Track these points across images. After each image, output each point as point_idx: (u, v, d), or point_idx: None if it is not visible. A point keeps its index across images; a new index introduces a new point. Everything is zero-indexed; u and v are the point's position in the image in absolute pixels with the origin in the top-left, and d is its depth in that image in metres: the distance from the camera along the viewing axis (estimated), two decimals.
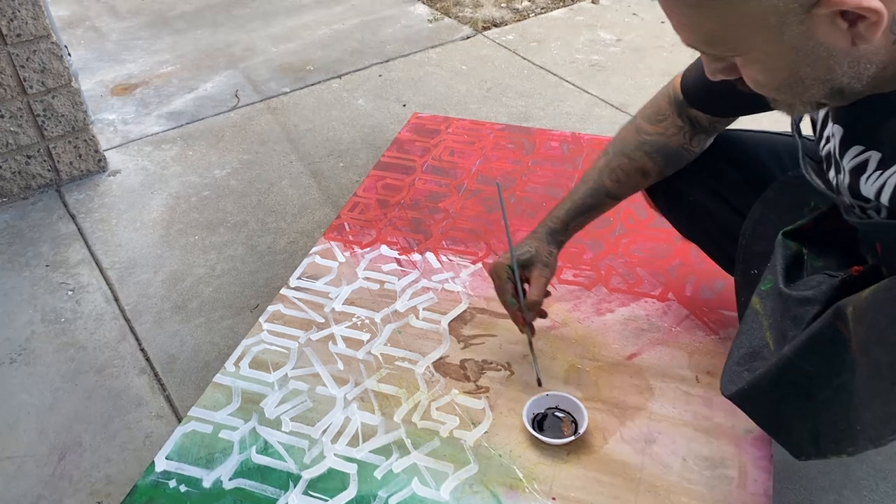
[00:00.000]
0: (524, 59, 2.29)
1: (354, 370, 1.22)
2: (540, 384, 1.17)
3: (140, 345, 1.40)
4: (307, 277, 1.41)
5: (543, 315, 1.18)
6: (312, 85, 2.24)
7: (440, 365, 1.22)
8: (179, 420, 1.23)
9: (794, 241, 0.94)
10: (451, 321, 1.29)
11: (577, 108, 2.00)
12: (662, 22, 2.47)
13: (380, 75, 2.26)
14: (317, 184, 1.80)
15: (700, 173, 1.11)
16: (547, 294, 1.16)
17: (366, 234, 1.51)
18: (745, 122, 1.06)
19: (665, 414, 1.11)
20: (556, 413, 1.12)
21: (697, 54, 0.77)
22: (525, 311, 1.13)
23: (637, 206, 1.49)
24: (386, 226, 1.52)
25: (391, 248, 1.46)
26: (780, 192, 1.02)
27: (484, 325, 1.28)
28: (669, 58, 2.25)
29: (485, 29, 2.49)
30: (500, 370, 1.20)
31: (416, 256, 1.44)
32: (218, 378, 1.22)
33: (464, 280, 1.38)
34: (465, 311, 1.31)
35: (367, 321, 1.31)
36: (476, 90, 2.13)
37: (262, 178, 1.84)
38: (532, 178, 1.61)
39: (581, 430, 1.06)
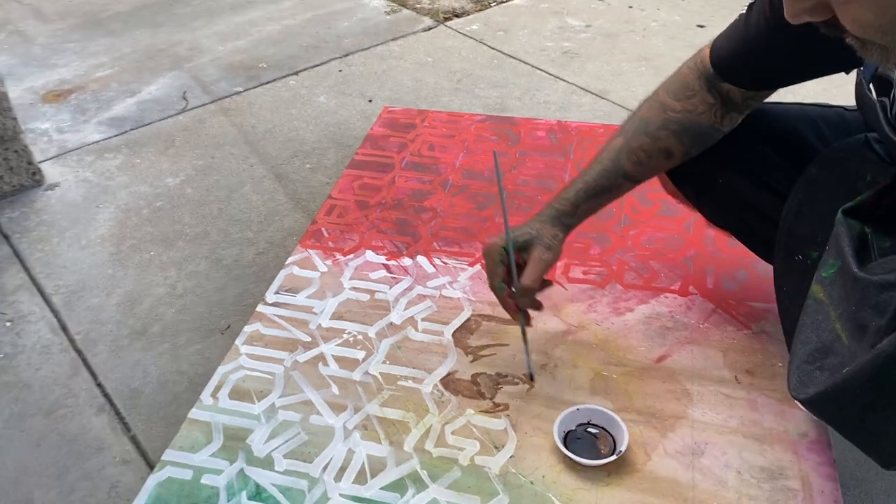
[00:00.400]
0: (492, 48, 2.17)
1: (352, 394, 1.07)
2: (532, 379, 1.05)
3: (96, 379, 1.22)
4: (286, 291, 1.25)
5: (538, 306, 1.05)
6: (267, 83, 2.07)
7: (449, 382, 1.08)
8: (151, 466, 1.06)
9: (855, 219, 0.84)
10: (456, 331, 1.15)
11: (554, 97, 1.88)
12: (630, 7, 2.38)
13: (340, 70, 2.11)
14: (283, 188, 1.64)
15: (730, 152, 1.00)
16: (547, 284, 1.05)
17: (347, 239, 1.36)
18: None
19: (708, 421, 0.99)
20: (589, 429, 0.99)
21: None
22: (517, 297, 1.01)
23: (640, 194, 1.38)
24: (369, 229, 1.38)
25: (377, 254, 1.32)
26: (828, 167, 0.92)
27: (493, 334, 1.15)
28: (643, 42, 2.16)
29: (446, 19, 2.36)
30: (517, 384, 1.07)
31: (406, 261, 1.30)
32: (194, 413, 1.06)
33: (463, 284, 1.24)
34: (469, 320, 1.17)
35: (359, 337, 1.16)
36: (445, 82, 2.00)
37: (221, 185, 1.66)
38: (522, 170, 1.49)
39: (622, 448, 0.94)
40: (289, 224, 1.52)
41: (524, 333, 1.06)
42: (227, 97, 2.01)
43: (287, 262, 1.31)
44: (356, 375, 1.09)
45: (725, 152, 0.99)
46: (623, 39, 2.18)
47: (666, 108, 0.98)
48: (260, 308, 1.22)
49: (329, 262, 1.31)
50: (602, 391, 1.05)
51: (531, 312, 1.06)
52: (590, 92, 1.91)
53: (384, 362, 1.11)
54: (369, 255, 1.32)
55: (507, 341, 1.13)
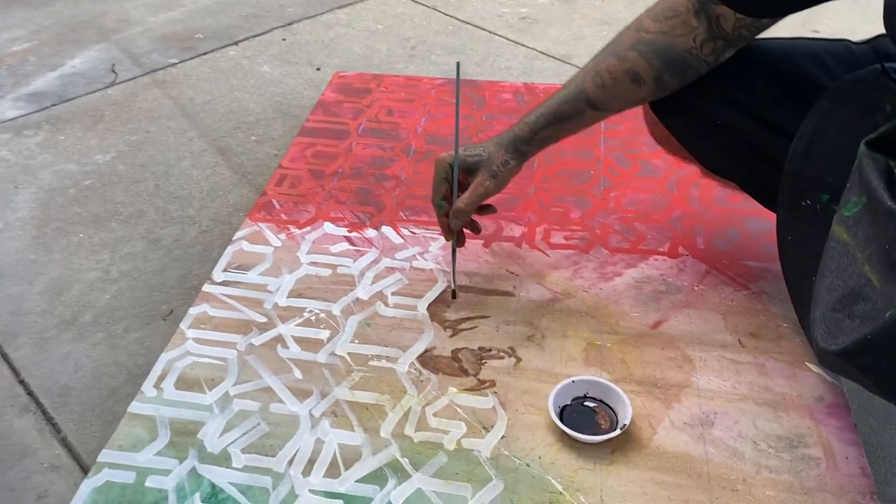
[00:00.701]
0: (446, 14, 2.05)
1: (317, 378, 0.94)
2: (454, 297, 1.04)
3: (18, 376, 1.06)
4: (235, 269, 1.12)
5: (476, 229, 1.04)
6: (205, 54, 1.91)
7: (427, 359, 0.96)
8: (85, 470, 0.91)
9: (879, 152, 0.75)
10: (431, 305, 1.04)
11: (515, 63, 1.78)
12: None
13: (283, 39, 1.96)
14: (226, 162, 1.49)
15: (726, 88, 0.91)
16: (489, 210, 1.01)
17: (301, 211, 1.23)
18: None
19: (715, 389, 0.90)
20: (586, 403, 0.89)
21: None
22: (451, 216, 0.98)
23: (618, 155, 1.30)
24: (326, 199, 1.25)
25: (337, 226, 1.19)
26: (840, 100, 0.83)
27: (472, 306, 1.03)
28: (603, 7, 2.07)
29: None
30: (503, 357, 0.96)
31: (370, 232, 1.17)
32: (135, 407, 0.92)
33: (435, 255, 1.13)
34: (445, 292, 1.06)
35: (322, 315, 1.03)
36: (399, 49, 1.88)
37: (158, 161, 1.50)
38: (490, 133, 1.37)
39: (626, 421, 0.84)
40: (234, 199, 1.38)
41: (453, 252, 1.03)
42: (161, 69, 1.84)
43: (235, 238, 1.18)
44: (321, 357, 0.97)
45: (721, 87, 0.90)
46: (582, 4, 2.09)
47: (640, 29, 0.89)
48: (206, 288, 1.09)
49: (283, 235, 1.17)
50: (596, 362, 0.95)
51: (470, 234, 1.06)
52: (552, 57, 1.82)
53: (352, 341, 0.99)
54: (328, 227, 1.19)
55: (488, 312, 1.02)
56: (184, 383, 0.94)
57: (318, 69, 1.80)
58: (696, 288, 1.05)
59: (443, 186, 0.98)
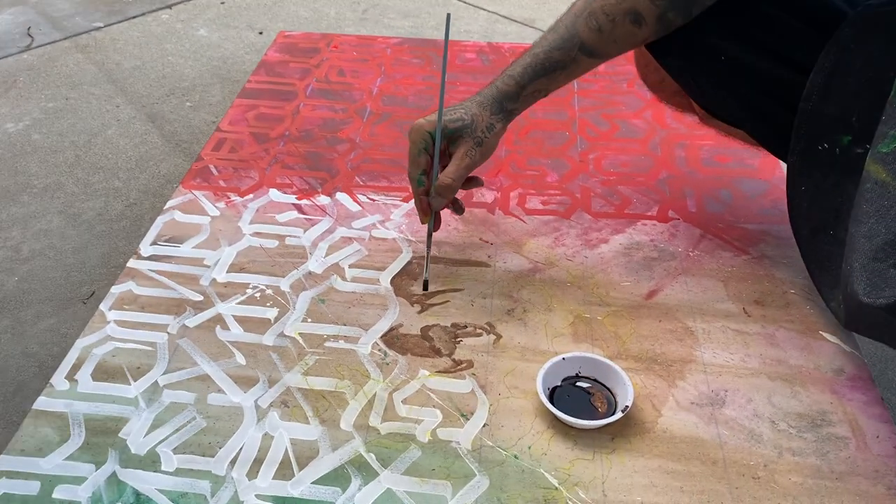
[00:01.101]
0: None
1: (264, 363, 0.80)
2: (426, 288, 0.88)
3: None
4: (166, 241, 0.96)
5: (459, 210, 0.89)
6: (134, 18, 1.74)
7: (393, 339, 0.83)
8: None
9: None
10: (395, 278, 0.91)
11: (476, 26, 1.66)
12: None
13: (222, 2, 1.80)
14: (157, 130, 1.33)
15: (733, 19, 0.80)
16: (476, 182, 0.88)
17: (243, 177, 1.08)
18: None
19: (723, 363, 0.80)
20: (579, 383, 0.77)
21: None
22: (432, 195, 0.84)
23: (593, 115, 1.19)
24: (271, 164, 1.10)
25: (284, 193, 1.05)
26: (868, 28, 0.73)
27: (443, 279, 0.91)
28: None
29: None
30: (480, 334, 0.83)
31: (322, 199, 1.03)
32: (42, 403, 0.76)
33: (398, 223, 0.99)
34: (410, 263, 0.93)
35: (269, 291, 0.89)
36: (349, 13, 1.73)
37: (79, 129, 1.34)
38: (453, 94, 1.25)
39: (629, 402, 0.72)
40: (166, 169, 1.23)
41: (429, 238, 0.88)
42: (83, 33, 1.66)
43: (166, 207, 1.02)
44: (268, 339, 0.83)
45: (727, 18, 0.79)
46: None
47: None
48: (132, 263, 0.93)
49: (221, 204, 1.03)
50: (587, 337, 0.83)
51: (453, 216, 0.92)
52: (515, 21, 1.70)
53: (304, 320, 0.85)
54: (274, 194, 1.04)
55: (461, 285, 0.89)
56: (103, 373, 0.79)
57: (260, 33, 1.64)
58: (691, 254, 0.94)
59: (421, 158, 0.84)
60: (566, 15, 0.82)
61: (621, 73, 1.30)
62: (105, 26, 1.69)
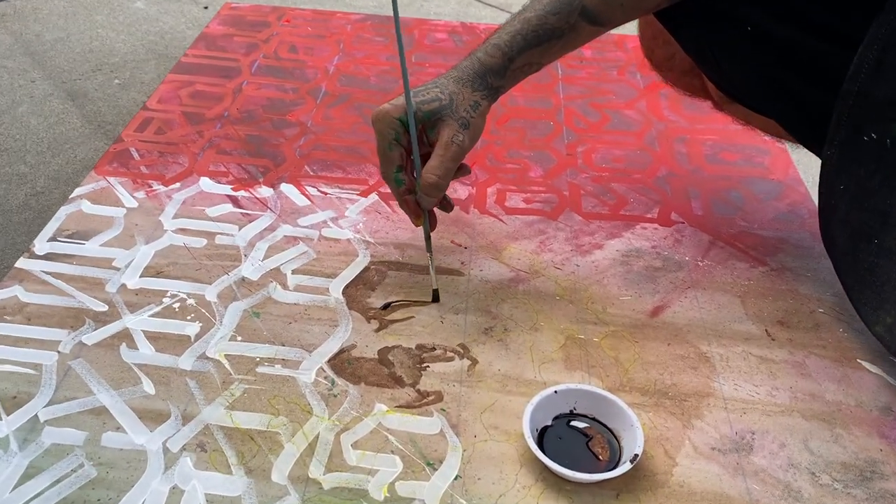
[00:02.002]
0: None
1: (178, 393, 0.63)
2: (436, 299, 0.73)
3: None
4: (67, 237, 0.79)
5: (448, 207, 0.76)
6: None
7: (343, 364, 0.67)
8: None
9: None
10: (348, 287, 0.75)
11: (447, 9, 1.51)
12: None
13: None
14: (77, 109, 1.15)
15: None
16: (462, 172, 0.73)
17: (170, 163, 0.91)
18: None
19: (747, 398, 0.65)
20: (575, 422, 0.62)
21: None
22: (420, 195, 0.69)
23: (581, 104, 1.05)
24: (205, 149, 0.93)
25: (218, 182, 0.88)
26: None
27: (406, 289, 0.75)
28: None
29: None
30: (451, 359, 0.68)
31: (264, 191, 0.87)
32: None
33: (354, 220, 0.83)
34: (368, 270, 0.77)
35: (191, 302, 0.72)
36: None
37: None
38: (422, 76, 1.09)
39: (639, 450, 0.57)
40: (84, 154, 1.05)
41: (428, 241, 0.73)
42: (1, 1, 1.47)
43: (72, 196, 0.84)
44: (185, 362, 0.66)
45: None
46: None
47: None
48: (22, 263, 0.75)
49: (141, 193, 0.85)
50: (581, 363, 0.68)
51: (438, 213, 0.75)
52: (489, 4, 1.55)
53: (233, 338, 0.69)
54: (205, 183, 0.87)
55: (429, 296, 0.74)
56: None
57: (205, 8, 1.47)
58: (700, 263, 0.80)
59: (394, 152, 0.69)
60: None
61: (611, 59, 1.16)
62: None
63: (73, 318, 0.70)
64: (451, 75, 0.70)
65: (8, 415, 0.61)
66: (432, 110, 0.68)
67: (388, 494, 0.56)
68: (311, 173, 0.90)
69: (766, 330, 0.72)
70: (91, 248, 0.78)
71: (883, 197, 0.65)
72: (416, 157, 0.69)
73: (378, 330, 0.70)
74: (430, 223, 0.73)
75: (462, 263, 0.78)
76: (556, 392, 0.62)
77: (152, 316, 0.70)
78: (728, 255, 0.81)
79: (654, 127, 1.01)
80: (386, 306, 0.72)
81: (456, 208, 0.85)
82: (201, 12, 1.45)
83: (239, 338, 0.69)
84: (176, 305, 0.72)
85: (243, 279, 0.75)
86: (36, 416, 0.61)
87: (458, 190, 0.88)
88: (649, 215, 0.86)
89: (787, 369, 0.68)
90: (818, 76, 0.66)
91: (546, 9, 0.67)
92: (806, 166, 0.80)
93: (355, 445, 0.60)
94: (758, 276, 0.78)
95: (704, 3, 0.67)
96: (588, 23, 0.67)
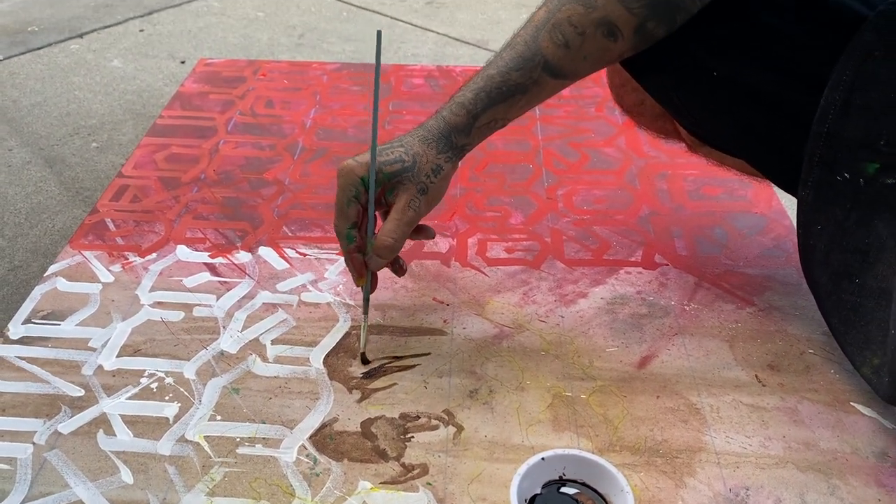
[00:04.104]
0: (339, 0, 1.76)
1: (157, 480, 0.62)
2: (365, 361, 0.72)
3: None
4: (42, 318, 0.78)
5: (399, 271, 0.73)
6: (39, 49, 1.54)
7: (325, 440, 0.65)
8: None
9: None
10: (329, 356, 0.73)
11: (425, 50, 1.51)
12: None
13: (141, 30, 1.61)
14: (55, 176, 1.14)
15: (727, 27, 0.65)
16: (425, 235, 0.74)
17: (146, 232, 0.90)
18: None
19: (740, 451, 0.64)
20: (565, 489, 0.60)
21: None
22: (370, 255, 0.68)
23: (559, 144, 1.04)
24: (181, 215, 0.92)
25: (195, 249, 0.87)
26: (894, 31, 0.59)
27: (389, 352, 0.73)
28: None
29: None
30: (436, 427, 0.66)
31: (242, 256, 0.86)
32: None
33: (334, 282, 0.82)
34: (348, 335, 0.75)
35: (169, 381, 0.71)
36: (283, 38, 1.57)
37: None
38: (400, 125, 1.09)
39: None
40: (62, 224, 1.03)
41: (366, 303, 0.72)
42: None
43: (47, 274, 0.83)
44: (164, 446, 0.64)
45: (719, 27, 0.64)
46: None
47: None
48: None
49: (117, 267, 0.84)
50: (570, 423, 0.66)
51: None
52: (466, 42, 1.55)
53: (213, 418, 0.67)
54: (182, 251, 0.86)
55: (412, 361, 0.72)
56: None
57: (182, 62, 1.46)
58: (686, 307, 0.78)
59: (351, 209, 0.68)
60: (525, 28, 0.66)
61: (588, 96, 1.16)
62: (4, 59, 1.50)
63: (49, 406, 0.68)
64: (418, 134, 0.69)
65: None
66: (394, 172, 0.67)
67: None
68: (290, 234, 0.89)
69: (756, 375, 0.71)
70: (67, 328, 0.76)
71: (861, 236, 0.64)
72: (370, 218, 0.68)
73: (360, 400, 0.68)
74: (371, 285, 0.72)
75: (444, 321, 0.77)
76: (543, 459, 0.60)
77: (130, 398, 0.69)
78: (714, 297, 0.80)
79: (634, 164, 1.00)
80: (368, 374, 0.71)
81: (437, 262, 0.85)
82: (178, 67, 1.44)
83: (219, 417, 0.67)
84: (154, 385, 0.70)
85: (222, 353, 0.73)
86: None
87: (438, 243, 0.87)
88: (633, 259, 0.85)
89: (780, 417, 0.67)
90: (786, 119, 0.65)
91: (508, 65, 0.66)
92: (790, 197, 0.79)
93: None
94: (745, 317, 0.77)
95: (669, 50, 0.66)
96: (551, 77, 0.66)
